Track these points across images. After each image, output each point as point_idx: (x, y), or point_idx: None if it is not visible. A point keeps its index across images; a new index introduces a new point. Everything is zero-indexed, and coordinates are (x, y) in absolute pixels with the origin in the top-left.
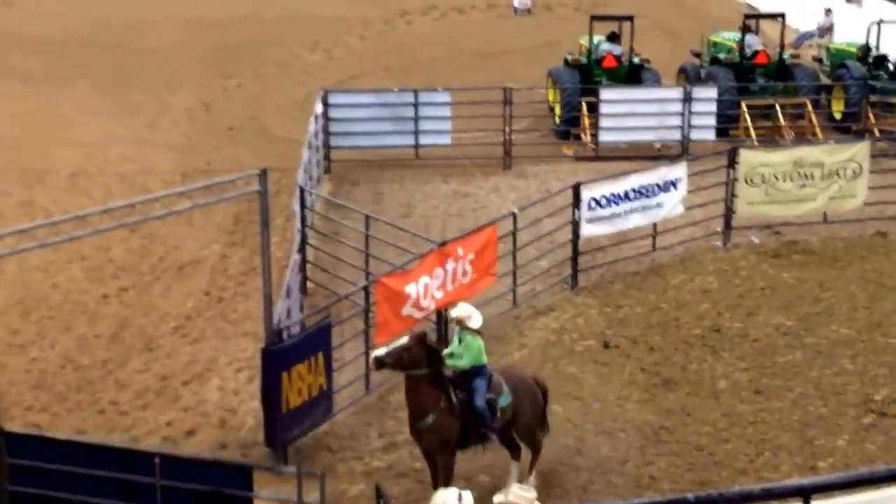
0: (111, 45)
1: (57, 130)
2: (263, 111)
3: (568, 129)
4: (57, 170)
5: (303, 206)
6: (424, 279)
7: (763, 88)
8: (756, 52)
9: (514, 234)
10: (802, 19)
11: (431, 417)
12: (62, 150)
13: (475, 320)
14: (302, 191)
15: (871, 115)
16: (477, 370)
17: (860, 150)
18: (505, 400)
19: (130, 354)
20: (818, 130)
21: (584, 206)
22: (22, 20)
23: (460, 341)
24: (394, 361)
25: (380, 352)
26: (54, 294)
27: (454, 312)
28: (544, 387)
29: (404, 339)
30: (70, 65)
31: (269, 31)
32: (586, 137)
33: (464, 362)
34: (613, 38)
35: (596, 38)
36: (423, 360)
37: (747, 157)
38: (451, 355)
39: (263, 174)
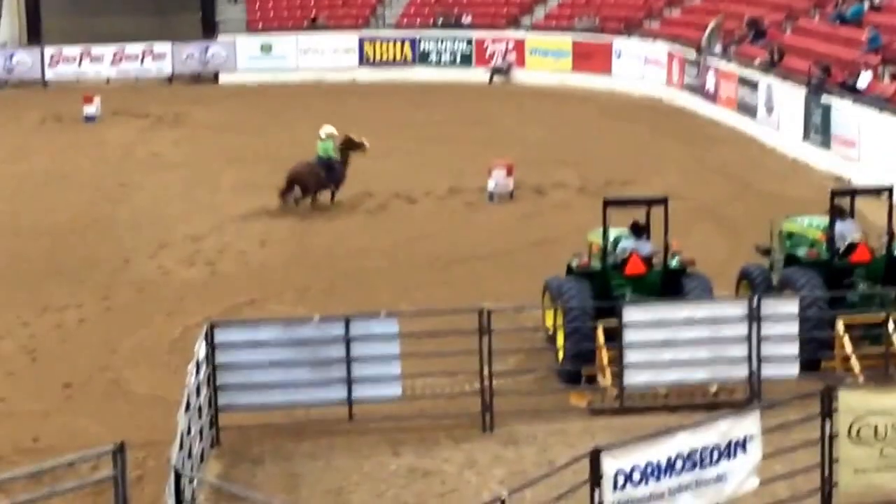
0: None
1: None
2: (116, 358)
3: (577, 368)
4: None
5: (179, 499)
6: None
7: (867, 298)
8: (852, 246)
9: None
10: None
11: None
12: None
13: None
14: (178, 476)
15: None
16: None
17: None
18: None
19: None
20: None
21: (607, 483)
22: None
23: None
24: None
25: None
26: None
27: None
28: None
29: None
30: None
31: (123, 237)
32: (605, 380)
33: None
34: (639, 230)
35: (613, 233)
36: None
37: (850, 401)
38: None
39: (119, 452)
